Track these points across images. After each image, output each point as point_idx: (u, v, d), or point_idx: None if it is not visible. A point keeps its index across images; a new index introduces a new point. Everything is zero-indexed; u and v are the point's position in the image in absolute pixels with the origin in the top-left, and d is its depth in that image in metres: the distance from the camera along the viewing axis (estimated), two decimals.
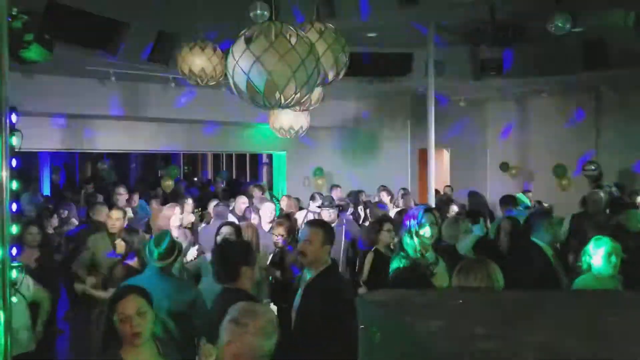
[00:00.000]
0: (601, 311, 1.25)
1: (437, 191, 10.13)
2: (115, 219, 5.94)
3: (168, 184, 12.51)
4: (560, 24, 7.84)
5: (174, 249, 4.16)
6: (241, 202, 8.19)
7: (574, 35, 8.34)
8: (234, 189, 13.34)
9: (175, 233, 5.89)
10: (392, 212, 7.69)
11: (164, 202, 8.99)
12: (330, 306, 3.46)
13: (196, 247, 5.66)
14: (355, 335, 1.32)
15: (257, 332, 2.43)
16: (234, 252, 3.55)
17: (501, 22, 8.29)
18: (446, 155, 14.91)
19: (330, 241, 3.71)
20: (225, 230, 5.11)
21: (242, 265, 3.46)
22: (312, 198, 8.59)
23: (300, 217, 7.72)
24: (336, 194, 10.45)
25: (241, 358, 2.44)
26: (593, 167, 12.33)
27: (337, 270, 3.83)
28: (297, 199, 9.50)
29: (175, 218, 6.07)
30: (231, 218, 7.13)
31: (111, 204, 8.54)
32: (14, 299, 3.58)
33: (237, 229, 5.24)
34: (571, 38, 8.39)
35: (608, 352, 1.06)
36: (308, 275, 3.72)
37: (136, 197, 9.78)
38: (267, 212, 6.73)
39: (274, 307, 4.46)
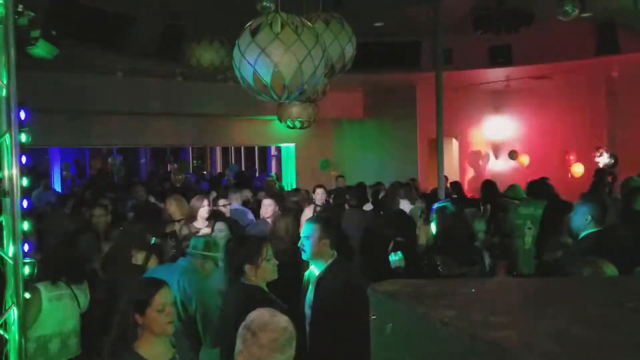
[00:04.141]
0: (618, 298, 1.23)
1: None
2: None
3: (179, 177, 12.60)
4: (569, 9, 7.76)
5: (209, 247, 4.32)
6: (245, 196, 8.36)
7: (584, 20, 8.25)
8: (244, 182, 13.35)
9: (201, 225, 5.93)
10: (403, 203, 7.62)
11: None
12: (344, 297, 3.51)
13: None
14: (366, 324, 1.31)
15: (265, 345, 2.29)
16: (237, 250, 3.55)
17: (509, 8, 8.21)
18: (455, 144, 14.85)
19: (329, 235, 3.75)
20: (219, 226, 5.05)
21: (245, 263, 3.46)
22: (314, 192, 8.54)
23: (309, 212, 7.70)
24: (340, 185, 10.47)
25: None
26: (602, 154, 12.23)
27: (344, 261, 3.86)
28: (307, 191, 9.49)
29: (204, 210, 6.10)
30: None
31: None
32: (27, 295, 3.59)
33: (230, 225, 5.19)
34: (581, 23, 8.30)
35: (625, 339, 1.04)
36: (318, 270, 3.76)
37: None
38: (268, 207, 6.73)
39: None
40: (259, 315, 2.40)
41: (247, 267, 3.44)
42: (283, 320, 2.40)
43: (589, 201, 4.45)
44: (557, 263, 5.78)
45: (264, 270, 3.47)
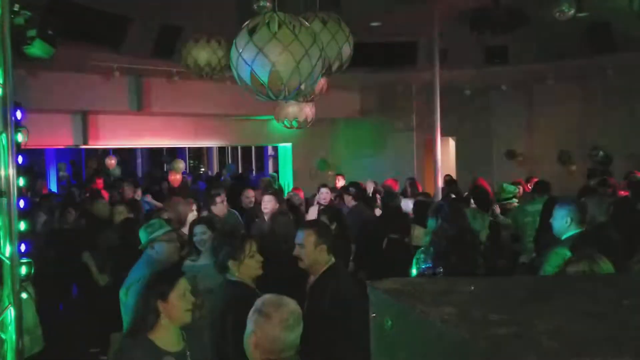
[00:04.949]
0: (616, 295, 1.24)
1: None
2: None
3: (176, 178, 12.58)
4: (565, 9, 7.79)
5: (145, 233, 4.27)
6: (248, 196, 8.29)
7: (579, 20, 8.28)
8: (242, 182, 13.34)
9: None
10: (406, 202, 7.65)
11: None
12: (333, 308, 3.46)
13: None
14: (360, 335, 1.31)
15: (278, 324, 2.45)
16: (221, 247, 3.55)
17: (505, 8, 8.23)
18: (452, 144, 14.86)
19: (325, 240, 3.63)
20: (199, 229, 4.87)
21: (228, 259, 3.47)
22: (318, 191, 8.55)
23: (313, 211, 7.70)
24: (340, 184, 10.51)
25: (261, 348, 2.46)
26: (599, 153, 12.26)
27: (340, 269, 3.76)
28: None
29: (193, 215, 6.09)
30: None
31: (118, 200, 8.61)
32: (24, 295, 3.59)
33: (210, 225, 5.09)
34: (576, 23, 8.32)
35: (623, 335, 1.05)
36: (314, 277, 3.70)
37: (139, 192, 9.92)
38: (268, 204, 6.73)
39: None
40: (269, 298, 2.57)
41: (230, 263, 3.47)
42: (292, 302, 2.58)
43: (567, 204, 4.46)
44: (532, 264, 5.78)
45: (248, 267, 3.49)
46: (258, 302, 2.55)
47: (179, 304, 2.91)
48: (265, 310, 2.48)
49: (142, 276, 3.95)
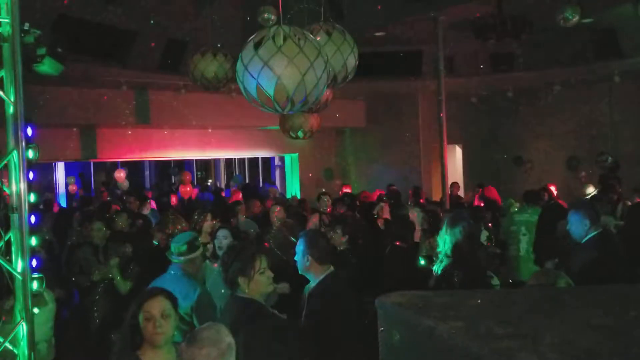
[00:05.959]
0: (622, 306, 1.24)
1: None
2: None
3: (186, 190, 12.67)
4: (569, 15, 7.80)
5: (194, 247, 4.25)
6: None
7: (585, 27, 8.28)
8: (250, 193, 13.36)
9: (205, 239, 5.92)
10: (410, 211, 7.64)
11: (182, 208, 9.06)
12: (327, 315, 3.53)
13: None
14: (352, 344, 1.32)
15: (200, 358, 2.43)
16: (231, 262, 3.45)
17: (510, 15, 8.25)
18: (458, 151, 14.85)
19: (311, 251, 3.70)
20: (222, 233, 5.05)
21: (237, 275, 3.38)
22: (319, 199, 8.56)
23: (314, 220, 7.73)
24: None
25: None
26: (607, 158, 12.21)
27: (336, 279, 3.79)
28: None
29: (208, 225, 6.13)
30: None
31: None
32: (36, 310, 3.61)
33: (234, 232, 5.19)
34: (582, 29, 8.33)
35: (630, 348, 1.06)
36: (312, 284, 3.78)
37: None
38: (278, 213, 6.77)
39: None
40: (198, 330, 2.55)
41: (240, 280, 3.36)
42: (218, 335, 2.50)
43: (581, 208, 4.52)
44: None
45: (258, 283, 3.37)
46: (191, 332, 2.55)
47: (146, 326, 2.84)
48: (190, 342, 2.48)
49: (201, 292, 4.07)
